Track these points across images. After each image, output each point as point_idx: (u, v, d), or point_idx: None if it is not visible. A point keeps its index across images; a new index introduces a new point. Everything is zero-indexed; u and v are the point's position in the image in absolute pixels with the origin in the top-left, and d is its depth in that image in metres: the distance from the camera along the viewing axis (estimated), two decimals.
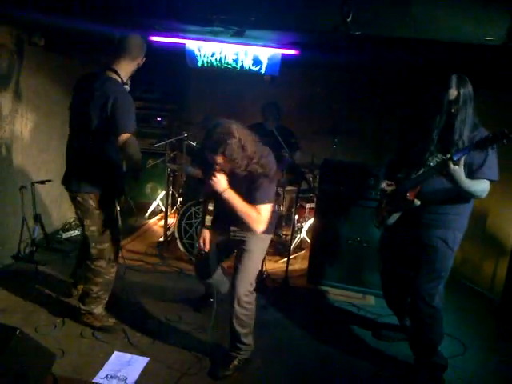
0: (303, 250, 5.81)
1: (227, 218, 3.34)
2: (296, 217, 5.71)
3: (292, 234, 5.18)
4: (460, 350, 3.91)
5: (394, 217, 3.40)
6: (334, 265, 4.81)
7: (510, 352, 4.04)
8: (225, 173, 3.06)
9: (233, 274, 3.35)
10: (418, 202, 3.19)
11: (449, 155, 2.90)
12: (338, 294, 4.75)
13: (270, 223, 3.27)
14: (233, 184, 3.09)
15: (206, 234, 3.55)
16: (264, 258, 4.82)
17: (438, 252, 3.25)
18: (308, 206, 5.92)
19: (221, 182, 3.03)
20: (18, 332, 2.59)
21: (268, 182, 3.12)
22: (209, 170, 3.08)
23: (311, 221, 5.68)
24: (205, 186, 3.39)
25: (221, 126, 2.95)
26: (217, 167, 3.01)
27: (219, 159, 2.95)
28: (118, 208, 3.63)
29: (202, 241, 3.55)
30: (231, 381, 3.32)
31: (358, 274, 4.74)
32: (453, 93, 3.00)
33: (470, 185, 2.99)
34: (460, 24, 3.52)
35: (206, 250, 3.55)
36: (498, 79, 4.67)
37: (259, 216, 3.09)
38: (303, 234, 5.85)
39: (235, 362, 3.40)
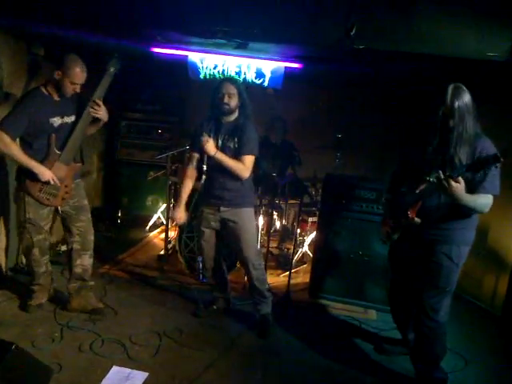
0: (305, 263, 5.76)
1: (215, 197, 3.87)
2: (298, 230, 5.70)
3: (294, 248, 5.13)
4: (461, 365, 3.86)
5: (398, 234, 3.38)
6: (335, 279, 4.75)
7: (511, 367, 3.99)
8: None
9: (239, 250, 3.95)
10: (418, 221, 3.15)
11: (447, 173, 2.83)
12: (339, 309, 4.69)
13: (253, 196, 4.17)
14: (225, 139, 3.80)
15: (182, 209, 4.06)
16: (265, 272, 4.81)
17: (442, 268, 3.19)
18: (310, 219, 5.87)
19: (211, 145, 3.67)
20: (13, 347, 2.54)
21: (253, 134, 3.80)
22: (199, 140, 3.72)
23: (313, 235, 5.64)
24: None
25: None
26: (226, 100, 3.68)
27: (232, 89, 3.68)
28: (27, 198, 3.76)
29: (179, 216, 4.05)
30: None
31: (360, 288, 4.69)
32: (447, 107, 2.95)
33: (470, 200, 2.94)
34: (463, 39, 3.51)
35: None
36: (501, 95, 4.65)
37: (244, 166, 3.73)
38: (305, 248, 5.80)
39: (270, 318, 4.14)
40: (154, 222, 6.72)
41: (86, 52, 3.70)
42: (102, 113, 3.78)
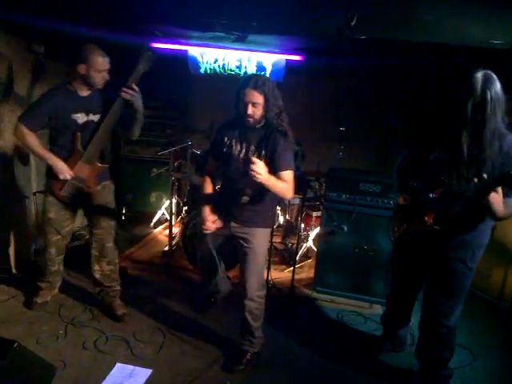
0: (310, 258, 5.73)
1: (228, 212, 3.37)
2: (302, 225, 5.66)
3: (298, 243, 5.10)
4: (469, 360, 3.83)
5: (411, 235, 3.14)
6: (340, 274, 4.72)
7: None
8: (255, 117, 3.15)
9: (242, 272, 3.43)
10: (437, 228, 2.88)
11: (485, 180, 2.56)
12: (344, 303, 4.66)
13: (271, 217, 3.57)
14: (251, 150, 3.23)
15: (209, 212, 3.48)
16: (270, 268, 4.78)
17: (456, 274, 3.02)
18: (314, 214, 5.84)
19: (263, 170, 2.90)
20: (15, 345, 2.53)
21: (288, 145, 3.20)
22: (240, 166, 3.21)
23: (318, 229, 5.60)
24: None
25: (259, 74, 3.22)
26: (251, 110, 3.08)
27: (257, 97, 3.04)
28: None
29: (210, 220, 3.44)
30: None
31: (365, 282, 4.65)
32: (478, 98, 2.58)
33: (505, 212, 2.66)
34: (467, 27, 3.43)
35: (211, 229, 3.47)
36: (507, 84, 4.59)
37: (288, 185, 3.13)
38: (310, 243, 5.76)
39: (248, 357, 3.52)
40: (159, 218, 6.70)
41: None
42: (134, 95, 3.54)
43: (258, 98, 3.05)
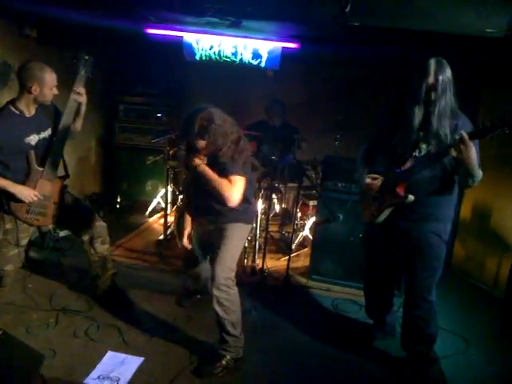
0: (306, 247, 5.71)
1: (207, 212, 3.36)
2: (299, 214, 5.63)
3: (293, 232, 5.08)
4: (462, 348, 3.85)
5: (385, 214, 3.22)
6: (336, 262, 4.72)
7: None
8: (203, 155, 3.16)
9: (211, 260, 3.36)
10: (411, 198, 3.03)
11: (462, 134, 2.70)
12: (339, 292, 4.66)
13: (248, 213, 3.41)
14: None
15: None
16: (265, 256, 4.76)
17: (432, 247, 3.16)
18: (311, 203, 5.80)
19: (195, 159, 3.13)
20: (0, 333, 2.50)
21: (238, 155, 3.16)
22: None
23: (314, 218, 5.58)
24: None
25: (201, 111, 3.04)
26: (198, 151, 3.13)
27: (202, 144, 3.07)
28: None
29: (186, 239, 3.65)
30: (229, 381, 3.23)
31: (360, 270, 4.62)
32: (431, 80, 2.86)
33: (478, 165, 2.83)
34: (460, 15, 3.40)
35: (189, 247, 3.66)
36: (500, 74, 4.55)
37: (231, 186, 3.11)
38: (306, 232, 5.74)
39: (223, 362, 3.27)
40: (154, 207, 6.66)
41: (77, 33, 3.60)
42: (84, 97, 3.56)
43: (202, 144, 3.08)
